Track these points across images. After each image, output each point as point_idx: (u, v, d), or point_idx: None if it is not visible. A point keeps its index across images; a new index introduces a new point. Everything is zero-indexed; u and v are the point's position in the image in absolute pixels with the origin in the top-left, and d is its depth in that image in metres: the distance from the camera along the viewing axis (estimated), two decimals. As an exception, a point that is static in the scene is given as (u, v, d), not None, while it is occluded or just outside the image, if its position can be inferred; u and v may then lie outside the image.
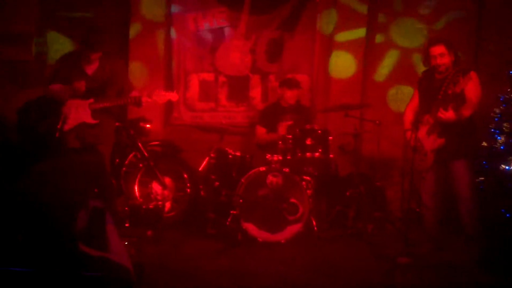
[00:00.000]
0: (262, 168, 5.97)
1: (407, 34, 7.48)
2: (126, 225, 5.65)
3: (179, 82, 7.69)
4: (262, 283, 4.78)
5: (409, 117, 5.65)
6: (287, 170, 5.95)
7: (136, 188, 6.44)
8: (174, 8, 7.58)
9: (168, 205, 6.43)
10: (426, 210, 5.62)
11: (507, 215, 5.56)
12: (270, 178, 5.92)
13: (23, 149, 6.17)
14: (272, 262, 5.29)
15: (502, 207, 5.58)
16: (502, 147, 5.73)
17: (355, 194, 6.38)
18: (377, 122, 6.51)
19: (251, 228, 5.82)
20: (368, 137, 7.11)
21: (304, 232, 5.89)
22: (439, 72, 5.39)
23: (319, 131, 6.13)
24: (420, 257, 5.23)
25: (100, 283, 2.49)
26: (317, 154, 6.03)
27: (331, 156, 6.15)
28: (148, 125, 6.36)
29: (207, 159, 6.45)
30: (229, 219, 5.96)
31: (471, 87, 5.15)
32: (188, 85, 7.70)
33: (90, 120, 5.57)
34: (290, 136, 6.11)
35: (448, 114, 5.15)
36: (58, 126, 5.49)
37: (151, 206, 5.85)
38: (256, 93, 7.72)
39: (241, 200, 5.85)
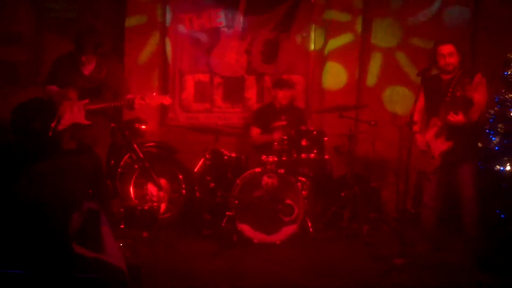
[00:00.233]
0: (258, 169, 5.97)
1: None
2: (121, 226, 5.63)
3: (174, 83, 7.67)
4: (258, 284, 4.79)
5: (417, 119, 5.58)
6: (282, 171, 5.95)
7: (131, 189, 6.42)
8: (170, 9, 7.57)
9: (163, 206, 6.42)
10: (426, 209, 5.61)
11: (502, 215, 5.57)
12: (266, 179, 5.91)
13: (19, 150, 6.15)
14: (268, 263, 5.29)
15: (497, 208, 5.59)
16: (496, 148, 5.73)
17: (350, 195, 6.38)
18: (372, 123, 6.51)
19: (246, 229, 5.82)
20: (363, 138, 7.12)
21: (299, 233, 5.89)
22: (447, 72, 5.37)
23: (314, 132, 6.14)
24: (416, 257, 5.23)
25: (94, 285, 2.48)
26: (312, 155, 6.04)
27: (326, 157, 6.16)
28: (143, 126, 6.35)
29: (202, 160, 6.44)
30: (224, 220, 5.96)
31: (480, 91, 5.15)
32: (183, 86, 7.69)
33: (83, 120, 5.57)
34: (285, 137, 6.11)
35: (458, 117, 5.13)
36: (52, 125, 5.49)
37: (146, 207, 5.83)
38: (251, 94, 7.71)
39: (236, 201, 5.85)
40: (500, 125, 5.73)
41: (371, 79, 7.61)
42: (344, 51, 7.51)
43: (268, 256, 5.50)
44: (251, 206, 5.87)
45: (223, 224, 5.96)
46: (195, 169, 6.59)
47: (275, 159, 6.06)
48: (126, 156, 6.44)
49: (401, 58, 7.34)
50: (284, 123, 6.58)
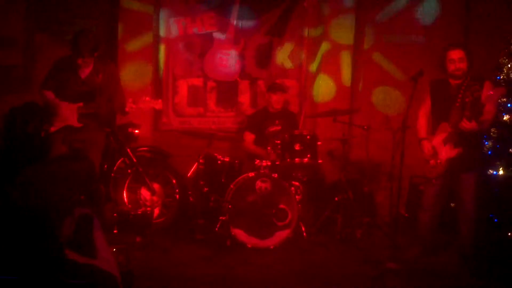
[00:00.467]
0: (251, 174, 5.97)
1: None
2: (115, 231, 5.62)
3: (168, 87, 7.67)
4: (251, 288, 4.79)
5: (423, 124, 5.56)
6: (275, 175, 5.95)
7: (124, 194, 6.41)
8: (163, 13, 7.57)
9: (157, 211, 6.41)
10: (424, 213, 5.59)
11: (495, 220, 5.58)
12: (259, 184, 5.91)
13: (10, 155, 6.14)
14: (261, 268, 5.29)
15: (490, 212, 5.60)
16: (489, 152, 5.75)
17: (343, 199, 6.38)
18: (365, 127, 6.53)
19: (240, 233, 5.81)
20: (356, 142, 7.14)
21: (293, 237, 5.89)
22: (457, 77, 5.31)
23: (308, 137, 6.13)
24: (409, 262, 5.24)
25: (87, 291, 2.48)
26: (305, 159, 6.04)
27: (319, 161, 6.17)
28: (136, 131, 6.35)
29: (196, 164, 6.43)
30: (218, 225, 5.96)
31: (493, 98, 5.15)
32: (176, 91, 7.68)
33: (75, 123, 5.56)
34: (279, 142, 6.12)
35: (471, 124, 5.03)
36: (45, 127, 5.51)
37: (139, 212, 5.82)
38: (245, 98, 7.72)
39: (230, 206, 5.84)
40: (492, 130, 5.74)
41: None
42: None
43: (262, 260, 5.49)
44: (245, 210, 5.87)
45: (216, 228, 5.95)
46: (189, 174, 6.58)
47: (269, 163, 6.07)
48: (120, 161, 6.43)
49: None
50: (278, 128, 6.59)
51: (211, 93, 7.71)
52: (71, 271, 2.54)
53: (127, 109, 5.68)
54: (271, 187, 5.91)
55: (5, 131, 6.56)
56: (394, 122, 6.91)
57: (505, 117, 5.78)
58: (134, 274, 4.19)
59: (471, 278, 5.05)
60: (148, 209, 6.03)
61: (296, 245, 5.88)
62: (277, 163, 6.09)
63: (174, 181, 6.58)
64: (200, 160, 6.30)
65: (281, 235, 5.84)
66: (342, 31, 7.52)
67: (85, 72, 5.68)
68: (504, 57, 5.88)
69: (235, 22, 7.59)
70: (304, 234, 6.01)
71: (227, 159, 6.31)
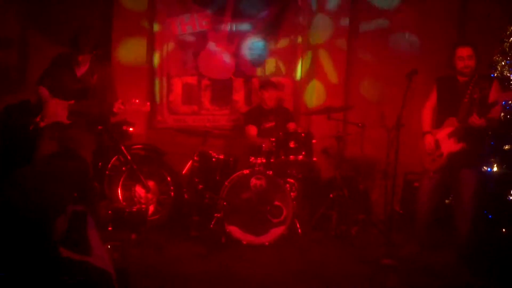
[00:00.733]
0: (246, 171, 5.98)
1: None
2: (109, 228, 5.61)
3: (162, 86, 7.67)
4: (246, 285, 4.79)
5: (428, 118, 5.63)
6: (270, 173, 5.96)
7: (119, 191, 6.41)
8: (157, 12, 7.56)
9: (151, 208, 6.41)
10: (421, 205, 5.60)
11: (490, 216, 5.60)
12: (254, 181, 5.92)
13: (4, 154, 6.13)
14: (256, 265, 5.30)
15: (485, 209, 5.62)
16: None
17: (338, 196, 6.39)
18: (360, 124, 6.54)
19: (235, 230, 5.82)
20: (351, 140, 7.15)
21: (288, 234, 5.90)
22: (465, 74, 5.36)
23: (303, 134, 6.14)
24: (404, 259, 5.26)
25: (81, 288, 2.47)
26: (300, 157, 6.04)
27: (314, 159, 6.18)
28: (130, 129, 6.34)
29: (190, 162, 6.43)
30: (213, 222, 5.97)
31: (503, 97, 5.17)
32: (171, 89, 7.69)
33: (65, 120, 5.56)
34: (274, 139, 6.12)
35: (481, 121, 5.08)
36: (35, 120, 5.51)
37: (134, 210, 5.81)
38: (239, 96, 7.73)
39: (225, 203, 5.85)
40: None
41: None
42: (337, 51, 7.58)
43: (257, 257, 5.50)
44: (240, 207, 5.87)
45: (211, 226, 5.96)
46: (183, 171, 6.58)
47: (264, 160, 6.07)
48: (114, 159, 6.42)
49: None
50: (272, 124, 6.60)
51: (205, 91, 7.71)
52: (65, 269, 2.53)
53: (115, 110, 5.66)
54: (266, 184, 5.92)
55: (1, 129, 6.55)
56: (388, 120, 6.92)
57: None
58: (129, 271, 4.20)
59: (468, 275, 5.06)
60: (143, 206, 6.02)
61: (291, 242, 5.89)
62: (271, 160, 6.09)
63: (169, 178, 6.59)
64: (195, 158, 6.31)
65: (276, 232, 5.85)
66: (334, 30, 7.54)
67: (81, 70, 5.68)
68: (498, 55, 5.91)
69: (229, 21, 7.60)
70: (299, 231, 6.02)
71: (221, 157, 6.32)
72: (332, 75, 7.54)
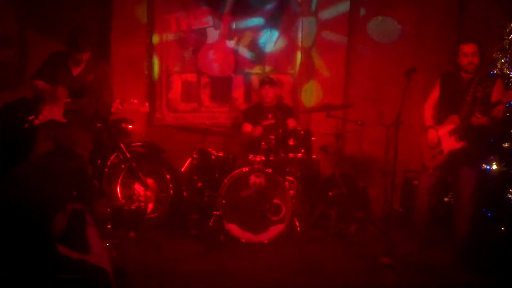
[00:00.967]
0: (245, 169, 5.96)
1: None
2: (108, 226, 5.61)
3: (161, 83, 7.66)
4: (245, 283, 4.79)
5: (429, 113, 5.61)
6: (269, 170, 5.95)
7: (118, 189, 6.39)
8: (156, 9, 7.54)
9: (150, 206, 6.40)
10: (420, 203, 5.60)
11: (489, 214, 5.60)
12: (253, 179, 5.91)
13: (2, 152, 6.11)
14: (255, 263, 5.30)
15: (484, 207, 5.62)
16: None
17: (337, 194, 6.38)
18: (359, 122, 6.53)
19: (234, 228, 5.81)
20: (351, 138, 7.14)
21: (287, 232, 5.89)
22: (469, 71, 5.34)
23: (302, 132, 6.14)
24: (403, 257, 5.25)
25: (78, 286, 2.47)
26: (299, 154, 6.04)
27: (313, 156, 6.17)
28: (130, 126, 6.33)
29: (189, 159, 6.42)
30: (212, 220, 5.95)
31: (506, 96, 5.16)
32: (170, 86, 7.68)
33: (60, 118, 5.55)
34: (273, 137, 6.11)
35: (483, 119, 5.06)
36: (30, 118, 5.50)
37: (133, 207, 5.80)
38: (239, 93, 7.72)
39: (224, 201, 5.84)
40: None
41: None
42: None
43: (256, 255, 5.50)
44: (239, 205, 5.87)
45: (210, 223, 5.95)
46: (182, 169, 6.57)
47: (263, 158, 6.06)
48: (113, 156, 6.40)
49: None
50: (272, 121, 6.59)
51: (205, 89, 7.71)
52: (63, 266, 2.53)
53: (113, 110, 5.65)
54: (265, 182, 5.91)
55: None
56: (388, 118, 6.91)
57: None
58: (128, 269, 4.20)
59: (467, 274, 5.06)
60: (142, 204, 6.02)
61: (290, 240, 5.88)
62: (271, 158, 6.09)
63: (168, 176, 6.57)
64: (194, 155, 6.30)
65: (275, 230, 5.84)
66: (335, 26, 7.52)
67: (78, 69, 5.67)
68: (498, 52, 5.91)
69: (229, 18, 7.58)
70: (298, 229, 6.01)
71: (221, 154, 6.31)
72: (332, 73, 7.52)
